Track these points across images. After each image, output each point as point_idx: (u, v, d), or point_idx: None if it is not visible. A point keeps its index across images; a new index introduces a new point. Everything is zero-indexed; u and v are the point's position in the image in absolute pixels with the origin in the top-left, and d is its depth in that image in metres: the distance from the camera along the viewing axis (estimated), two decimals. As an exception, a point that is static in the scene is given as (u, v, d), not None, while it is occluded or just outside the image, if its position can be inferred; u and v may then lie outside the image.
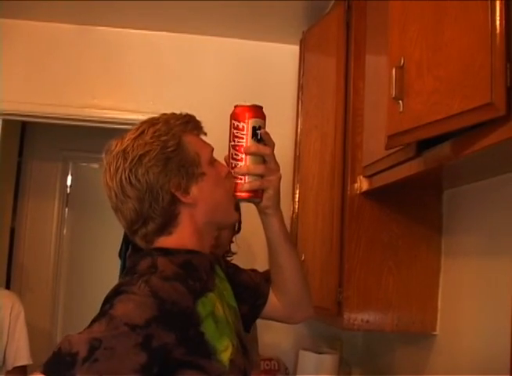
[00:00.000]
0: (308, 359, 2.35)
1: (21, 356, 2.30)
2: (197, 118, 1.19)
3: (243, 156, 1.18)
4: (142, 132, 1.11)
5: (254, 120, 1.19)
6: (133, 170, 1.08)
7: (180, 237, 1.13)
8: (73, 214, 4.19)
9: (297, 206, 2.45)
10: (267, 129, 1.21)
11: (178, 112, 1.18)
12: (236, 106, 1.22)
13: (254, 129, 1.19)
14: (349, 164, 1.95)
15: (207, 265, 1.16)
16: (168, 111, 1.18)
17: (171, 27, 2.80)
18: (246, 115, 1.19)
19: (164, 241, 1.13)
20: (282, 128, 2.37)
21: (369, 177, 1.81)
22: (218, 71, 2.87)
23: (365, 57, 1.91)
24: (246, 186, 1.18)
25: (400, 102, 1.25)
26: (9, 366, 2.28)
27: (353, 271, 1.89)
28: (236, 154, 1.19)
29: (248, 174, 1.18)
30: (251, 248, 2.52)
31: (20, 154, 3.95)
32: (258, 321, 1.45)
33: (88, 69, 2.81)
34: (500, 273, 1.49)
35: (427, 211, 1.91)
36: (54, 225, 4.05)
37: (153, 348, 0.94)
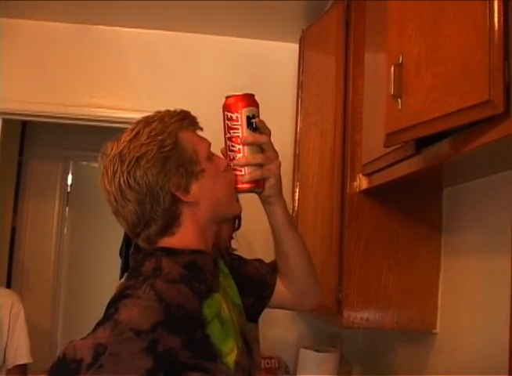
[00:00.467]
0: (308, 357, 2.35)
1: (21, 354, 2.30)
2: (192, 114, 1.16)
3: (241, 147, 1.16)
4: (138, 133, 1.09)
5: (247, 109, 1.16)
6: (131, 173, 1.06)
7: (183, 237, 1.11)
8: (74, 213, 4.19)
9: (296, 204, 2.45)
10: (268, 127, 1.19)
11: (172, 109, 1.15)
12: (227, 97, 1.19)
13: (249, 119, 1.16)
14: (348, 162, 1.95)
15: (211, 264, 1.15)
16: (167, 110, 1.16)
17: (169, 25, 2.79)
18: (239, 105, 1.16)
19: (168, 241, 1.11)
20: (281, 126, 2.36)
21: (368, 175, 1.81)
22: (217, 70, 2.86)
23: (365, 55, 1.91)
24: (247, 177, 1.17)
25: (399, 99, 1.25)
26: (10, 365, 2.28)
27: (353, 269, 1.88)
28: (232, 146, 1.17)
29: (247, 165, 1.16)
30: (251, 245, 2.52)
31: (21, 153, 3.94)
32: (259, 321, 1.45)
33: (87, 67, 2.80)
34: (500, 271, 1.48)
35: (426, 209, 1.91)
36: (55, 225, 4.05)
37: (158, 353, 0.93)
